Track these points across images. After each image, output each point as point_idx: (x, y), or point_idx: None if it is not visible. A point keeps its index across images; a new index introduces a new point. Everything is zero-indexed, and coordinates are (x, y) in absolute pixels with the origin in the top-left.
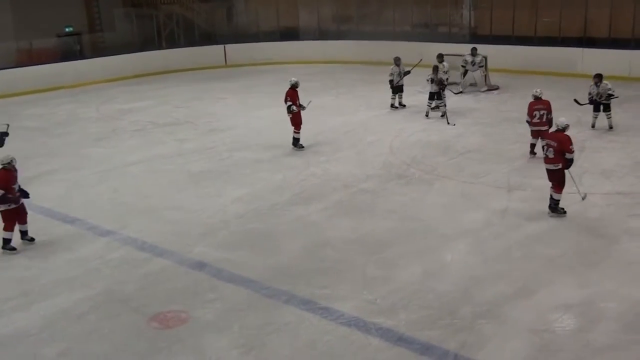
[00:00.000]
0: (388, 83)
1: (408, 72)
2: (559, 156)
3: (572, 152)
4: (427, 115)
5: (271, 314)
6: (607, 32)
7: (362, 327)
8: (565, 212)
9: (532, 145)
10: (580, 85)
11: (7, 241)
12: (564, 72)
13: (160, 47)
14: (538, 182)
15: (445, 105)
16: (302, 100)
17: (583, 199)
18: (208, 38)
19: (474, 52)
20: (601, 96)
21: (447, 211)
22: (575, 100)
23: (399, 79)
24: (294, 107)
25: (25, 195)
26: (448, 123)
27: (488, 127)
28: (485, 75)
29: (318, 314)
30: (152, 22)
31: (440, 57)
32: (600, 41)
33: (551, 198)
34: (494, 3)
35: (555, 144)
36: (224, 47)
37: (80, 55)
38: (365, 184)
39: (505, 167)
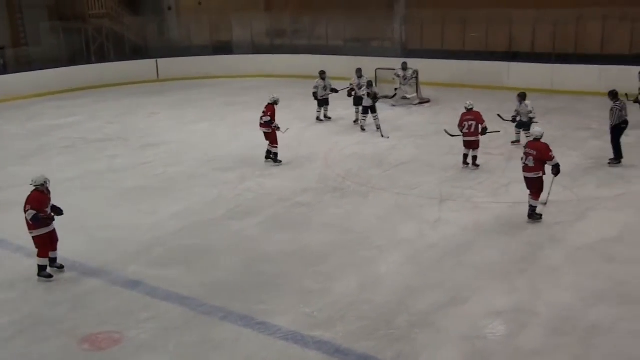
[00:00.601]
0: (313, 96)
1: (335, 91)
2: (539, 164)
3: (552, 158)
4: (363, 129)
5: (208, 332)
6: (530, 47)
7: (300, 341)
8: (541, 218)
9: (465, 156)
10: (507, 98)
11: (42, 268)
12: (491, 85)
13: (89, 62)
14: (468, 192)
15: (378, 119)
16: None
17: (545, 205)
18: (139, 52)
19: (404, 66)
20: (521, 116)
21: (382, 223)
22: (499, 115)
23: (324, 92)
24: (276, 124)
25: (59, 212)
26: (382, 136)
27: (420, 140)
28: (417, 89)
29: (255, 329)
30: (81, 36)
31: (359, 72)
32: (524, 56)
33: (530, 206)
34: (424, 18)
35: (535, 153)
36: (156, 61)
37: (4, 69)
38: (301, 198)
39: (437, 178)
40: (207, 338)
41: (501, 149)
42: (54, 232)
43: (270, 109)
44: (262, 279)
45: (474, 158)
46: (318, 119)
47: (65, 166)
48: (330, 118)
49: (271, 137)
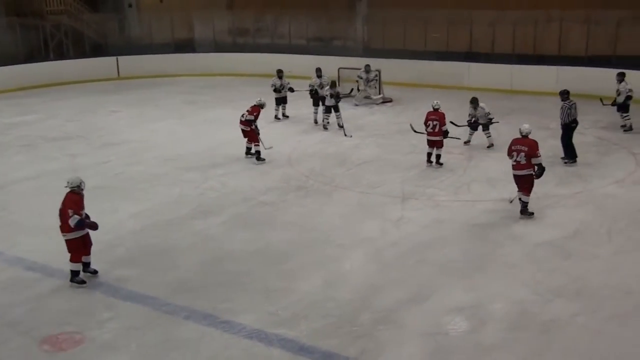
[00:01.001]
0: (273, 92)
1: (292, 90)
2: (530, 161)
3: (539, 156)
4: (325, 128)
5: (171, 331)
6: (490, 48)
7: (264, 339)
8: (533, 214)
9: (429, 155)
10: (468, 98)
11: (75, 273)
12: (452, 85)
13: (47, 59)
14: (430, 190)
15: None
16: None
17: (511, 202)
18: (99, 50)
19: (367, 69)
20: (478, 119)
21: (345, 221)
22: (452, 122)
23: (281, 89)
24: (257, 126)
25: (87, 216)
26: (345, 135)
27: (382, 139)
28: (380, 89)
29: (219, 328)
30: (39, 33)
31: (319, 72)
32: (484, 56)
33: (521, 202)
34: (386, 18)
35: (526, 149)
36: (117, 58)
37: None
38: (264, 197)
39: (399, 177)
40: (171, 337)
41: (462, 149)
42: (87, 235)
43: (256, 110)
44: (226, 278)
45: (438, 157)
46: (276, 117)
47: (23, 165)
48: (287, 117)
49: (249, 135)
